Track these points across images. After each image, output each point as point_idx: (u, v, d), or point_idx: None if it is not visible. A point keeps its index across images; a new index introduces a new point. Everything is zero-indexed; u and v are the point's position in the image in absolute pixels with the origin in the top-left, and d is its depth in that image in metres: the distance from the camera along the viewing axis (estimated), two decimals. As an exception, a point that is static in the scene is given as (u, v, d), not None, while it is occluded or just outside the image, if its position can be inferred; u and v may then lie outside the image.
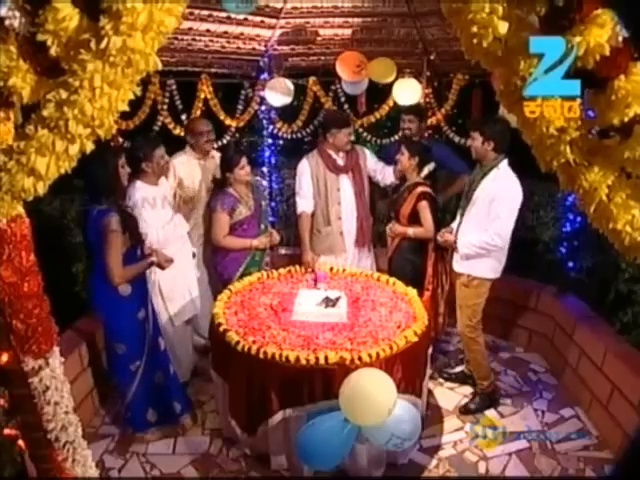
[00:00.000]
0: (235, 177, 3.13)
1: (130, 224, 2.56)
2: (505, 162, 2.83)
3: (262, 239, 3.24)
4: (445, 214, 3.44)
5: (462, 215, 3.01)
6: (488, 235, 2.80)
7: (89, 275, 2.95)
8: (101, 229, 2.43)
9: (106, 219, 2.42)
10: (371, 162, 3.55)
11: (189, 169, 3.38)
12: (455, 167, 3.61)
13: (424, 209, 3.13)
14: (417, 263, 3.24)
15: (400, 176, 3.34)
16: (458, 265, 3.02)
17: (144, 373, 2.70)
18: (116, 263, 2.45)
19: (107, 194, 2.49)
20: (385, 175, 3.53)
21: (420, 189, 3.14)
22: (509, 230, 2.81)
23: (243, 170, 3.11)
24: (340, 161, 3.45)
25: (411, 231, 3.19)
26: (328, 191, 3.43)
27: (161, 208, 2.94)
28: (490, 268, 2.94)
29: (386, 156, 3.59)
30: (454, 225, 3.08)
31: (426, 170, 3.20)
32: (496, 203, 2.77)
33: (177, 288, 3.05)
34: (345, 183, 3.46)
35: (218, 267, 3.28)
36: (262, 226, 3.31)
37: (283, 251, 4.23)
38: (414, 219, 3.18)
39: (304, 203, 3.45)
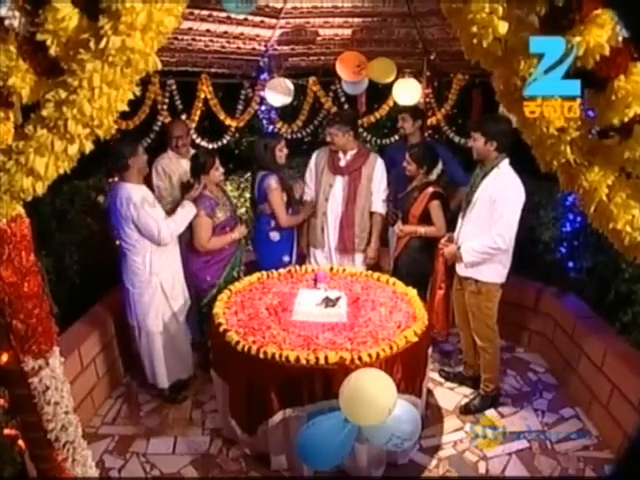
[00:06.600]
0: (210, 178, 3.10)
1: (285, 186, 3.34)
2: (506, 162, 2.77)
3: (240, 229, 3.23)
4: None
5: (463, 218, 2.93)
6: (490, 238, 2.72)
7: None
8: (265, 187, 3.26)
9: (268, 180, 3.26)
10: (375, 180, 3.44)
11: (176, 167, 3.45)
12: (455, 176, 3.52)
13: (436, 208, 3.14)
14: (425, 263, 3.24)
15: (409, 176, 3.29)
16: (463, 271, 2.93)
17: None
18: (282, 210, 3.30)
19: (268, 166, 3.29)
20: (375, 202, 3.45)
21: (431, 189, 3.15)
22: (512, 232, 2.71)
23: (218, 171, 3.12)
24: (342, 162, 3.44)
25: (422, 230, 3.19)
26: (322, 185, 3.47)
27: (156, 206, 2.94)
28: (495, 272, 2.85)
29: (387, 157, 3.58)
30: (456, 233, 2.99)
31: (435, 174, 3.20)
32: (498, 203, 2.70)
33: (177, 285, 3.06)
34: (339, 184, 3.45)
35: (200, 273, 3.16)
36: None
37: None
38: (424, 219, 3.18)
39: (307, 192, 3.59)
